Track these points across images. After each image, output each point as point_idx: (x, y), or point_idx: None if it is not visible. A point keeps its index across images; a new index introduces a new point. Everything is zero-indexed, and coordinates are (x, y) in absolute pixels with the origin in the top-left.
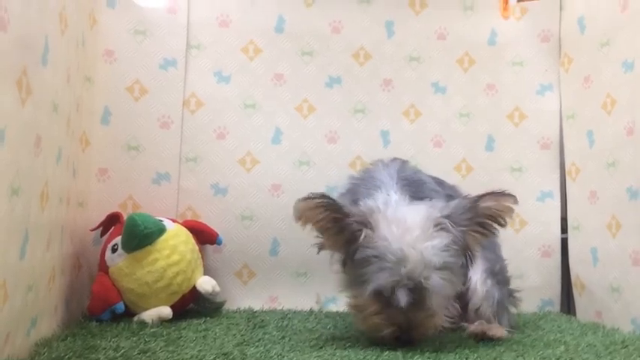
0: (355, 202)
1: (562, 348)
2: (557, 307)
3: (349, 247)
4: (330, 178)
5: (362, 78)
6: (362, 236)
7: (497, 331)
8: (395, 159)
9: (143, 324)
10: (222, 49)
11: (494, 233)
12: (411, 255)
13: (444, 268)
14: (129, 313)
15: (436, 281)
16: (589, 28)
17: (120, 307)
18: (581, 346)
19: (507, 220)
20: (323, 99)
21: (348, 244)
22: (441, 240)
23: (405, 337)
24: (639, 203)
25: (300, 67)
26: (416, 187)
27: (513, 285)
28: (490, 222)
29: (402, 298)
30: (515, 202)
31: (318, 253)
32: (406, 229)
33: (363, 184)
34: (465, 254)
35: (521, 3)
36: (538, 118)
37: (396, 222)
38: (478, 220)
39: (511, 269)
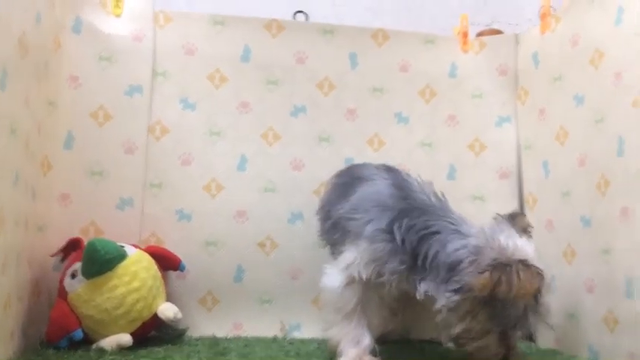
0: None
1: None
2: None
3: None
4: (295, 206)
5: (326, 107)
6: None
7: None
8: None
9: (101, 351)
10: (188, 77)
11: None
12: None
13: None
14: (88, 341)
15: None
16: (543, 62)
17: (78, 334)
18: None
19: None
20: (288, 127)
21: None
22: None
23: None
24: (592, 231)
25: (265, 96)
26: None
27: None
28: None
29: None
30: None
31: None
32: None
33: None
34: None
35: (480, 38)
36: (497, 148)
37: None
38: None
39: None
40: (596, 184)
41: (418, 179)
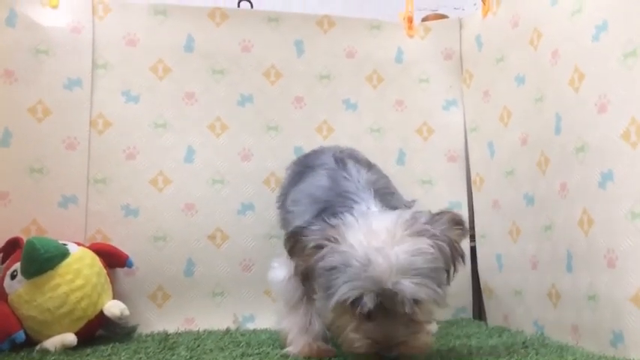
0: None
1: (465, 351)
2: (469, 314)
3: (315, 265)
4: (245, 196)
5: (273, 96)
6: (325, 249)
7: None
8: (353, 159)
9: (45, 352)
10: (130, 69)
11: (467, 236)
12: (377, 259)
13: (416, 273)
14: (31, 342)
15: (406, 286)
16: (485, 45)
17: (20, 336)
18: (483, 349)
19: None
20: (235, 117)
21: (314, 262)
22: (412, 244)
23: (385, 353)
24: (535, 208)
25: (211, 86)
26: (389, 197)
27: None
28: (460, 227)
29: (368, 303)
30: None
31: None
32: (373, 235)
33: (338, 202)
34: (450, 258)
35: (425, 23)
36: (445, 132)
37: (364, 229)
38: (454, 223)
39: None
40: (537, 162)
41: (358, 166)
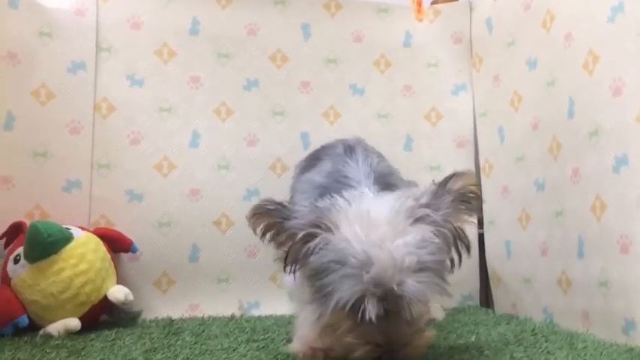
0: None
1: (473, 338)
2: (476, 301)
3: (303, 255)
4: (251, 182)
5: (280, 80)
6: (316, 240)
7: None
8: (357, 143)
9: (48, 337)
10: (135, 52)
11: (476, 211)
12: (378, 256)
13: (421, 269)
14: (35, 327)
15: (412, 287)
16: (496, 28)
17: (23, 320)
18: (492, 336)
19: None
20: (241, 102)
21: (300, 252)
22: (415, 235)
23: (388, 358)
24: (546, 195)
25: (216, 70)
26: (387, 179)
27: None
28: (468, 201)
29: (372, 309)
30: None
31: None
32: (371, 226)
33: (336, 187)
34: (453, 245)
35: (434, 5)
36: (453, 117)
37: (360, 218)
38: (459, 200)
39: None
40: (548, 147)
41: (367, 153)
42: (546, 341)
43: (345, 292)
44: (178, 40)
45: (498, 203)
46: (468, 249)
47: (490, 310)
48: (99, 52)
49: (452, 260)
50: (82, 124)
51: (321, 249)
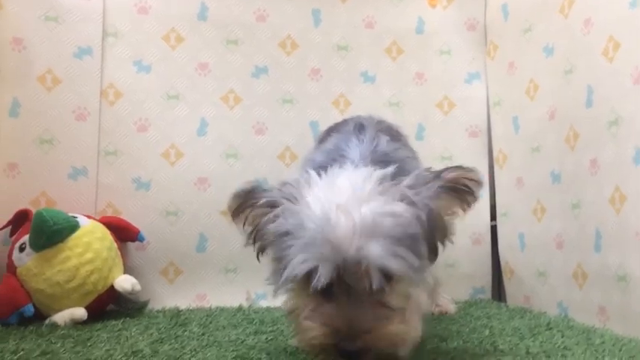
0: None
1: (487, 332)
2: (488, 295)
3: (263, 226)
4: (259, 171)
5: (289, 67)
6: (277, 210)
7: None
8: (370, 122)
9: (54, 326)
10: (142, 37)
11: (469, 201)
12: (337, 219)
13: (385, 236)
14: (40, 316)
15: (373, 251)
16: (512, 14)
17: (29, 309)
18: (506, 330)
19: (476, 192)
20: (249, 89)
21: (260, 224)
22: (383, 204)
23: (346, 345)
24: (562, 187)
25: (225, 57)
26: (391, 159)
27: (444, 274)
28: (458, 191)
29: (324, 276)
30: (479, 176)
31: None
32: (334, 191)
33: (330, 165)
34: (428, 230)
35: None
36: (466, 106)
37: (326, 186)
38: (450, 189)
39: (442, 258)
40: (565, 137)
41: (378, 133)
42: (562, 336)
43: (298, 260)
44: (186, 25)
45: (512, 194)
46: (447, 236)
47: (502, 304)
48: (105, 38)
49: (429, 246)
50: (89, 110)
51: (279, 217)
